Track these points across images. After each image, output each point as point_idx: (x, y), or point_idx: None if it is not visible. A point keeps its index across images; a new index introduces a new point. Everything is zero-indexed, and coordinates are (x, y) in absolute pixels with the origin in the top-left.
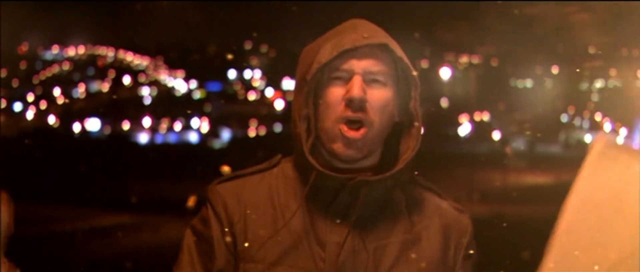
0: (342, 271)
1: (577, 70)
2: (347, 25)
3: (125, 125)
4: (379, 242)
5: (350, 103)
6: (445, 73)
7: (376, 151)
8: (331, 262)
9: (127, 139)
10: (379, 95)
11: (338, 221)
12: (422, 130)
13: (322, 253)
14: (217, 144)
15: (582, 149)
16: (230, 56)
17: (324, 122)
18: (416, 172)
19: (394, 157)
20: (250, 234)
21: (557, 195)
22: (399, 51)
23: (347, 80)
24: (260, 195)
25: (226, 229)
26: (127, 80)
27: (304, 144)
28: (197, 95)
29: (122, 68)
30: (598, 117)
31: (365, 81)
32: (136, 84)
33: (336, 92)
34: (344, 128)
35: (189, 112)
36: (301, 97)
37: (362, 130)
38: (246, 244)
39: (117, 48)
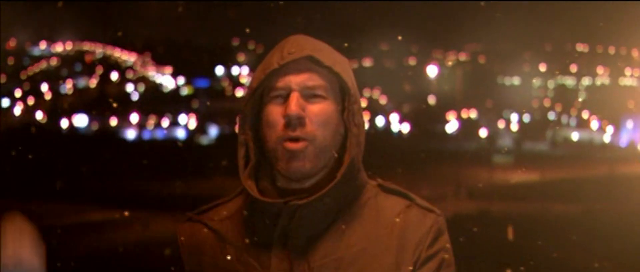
0: None
1: (564, 67)
2: (278, 45)
3: (113, 122)
4: (324, 259)
5: (288, 121)
6: (432, 70)
7: (326, 167)
8: None
9: (114, 135)
10: (318, 110)
11: (281, 245)
12: (362, 141)
13: None
14: (204, 140)
15: (568, 147)
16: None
17: (268, 142)
18: (381, 180)
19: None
20: (204, 268)
21: (542, 192)
22: (327, 61)
23: (286, 97)
24: (215, 228)
25: (186, 266)
26: (114, 76)
27: (241, 170)
28: (185, 91)
29: (110, 64)
30: (585, 115)
31: (304, 96)
32: (124, 80)
33: (275, 111)
34: (286, 144)
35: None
36: (240, 124)
37: (301, 144)
38: None
39: (104, 44)
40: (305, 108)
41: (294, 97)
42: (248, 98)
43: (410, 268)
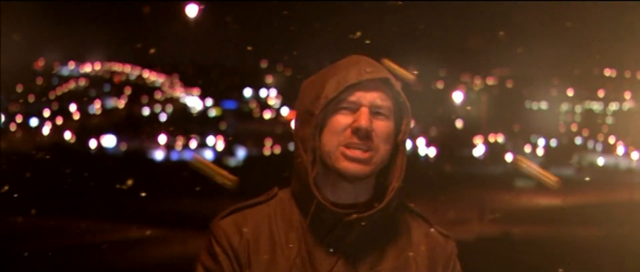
0: None
1: (592, 92)
2: (349, 60)
3: (141, 142)
4: (372, 270)
5: (357, 132)
6: (458, 96)
7: (370, 181)
8: None
9: (143, 155)
10: (383, 127)
11: (332, 251)
12: (405, 164)
13: None
14: (232, 162)
15: (594, 172)
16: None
17: (327, 146)
18: (407, 202)
19: (384, 189)
20: (253, 264)
21: (565, 216)
22: (397, 86)
23: (354, 111)
24: (260, 228)
25: (232, 262)
26: (143, 97)
27: (310, 175)
28: (213, 113)
29: (138, 85)
30: (612, 140)
31: (371, 113)
32: (152, 101)
33: (343, 121)
34: (351, 152)
35: (199, 125)
36: (307, 130)
37: (368, 153)
38: None
39: (133, 65)
40: (372, 123)
41: (365, 112)
42: (322, 106)
43: None
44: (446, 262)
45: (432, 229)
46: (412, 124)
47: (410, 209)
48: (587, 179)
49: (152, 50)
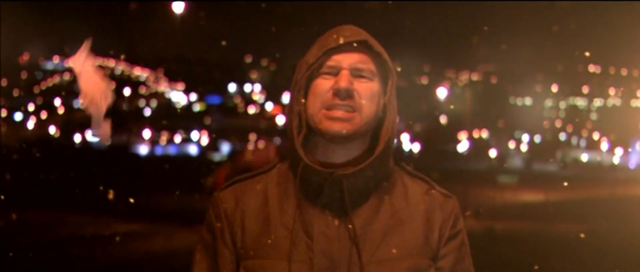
0: (329, 258)
1: (576, 88)
2: (333, 29)
3: (126, 137)
4: (363, 229)
5: (337, 93)
6: (442, 92)
7: (364, 141)
8: (319, 251)
9: (127, 150)
10: (365, 88)
11: (325, 212)
12: (397, 121)
13: (311, 243)
14: (216, 156)
15: (577, 168)
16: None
17: (310, 109)
18: (403, 163)
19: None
20: (248, 232)
21: (547, 212)
22: (377, 47)
23: (335, 74)
24: (256, 196)
25: (226, 231)
26: (127, 91)
27: (296, 138)
28: (197, 107)
29: (123, 79)
30: (596, 136)
31: (353, 76)
32: (136, 96)
33: (324, 84)
34: (334, 112)
35: (184, 119)
36: (293, 95)
37: (352, 114)
38: (245, 243)
39: (117, 59)
40: (353, 84)
41: (345, 74)
42: (304, 72)
43: (437, 245)
44: (445, 220)
45: (432, 189)
46: (397, 119)
47: (410, 172)
48: (565, 184)
49: (136, 46)
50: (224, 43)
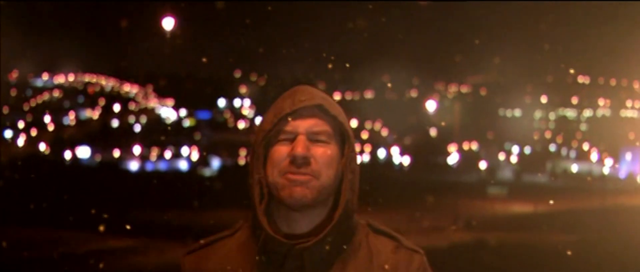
0: None
1: (566, 99)
2: (288, 92)
3: (116, 153)
4: None
5: (294, 159)
6: (431, 105)
7: (326, 208)
8: None
9: (117, 166)
10: (322, 153)
11: None
12: (356, 186)
13: None
14: (207, 172)
15: (567, 179)
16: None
17: (270, 177)
18: (370, 220)
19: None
20: None
21: (538, 223)
22: (333, 110)
23: (292, 140)
24: (220, 262)
25: None
26: (117, 107)
27: (258, 206)
28: (187, 123)
29: (112, 96)
30: (586, 146)
31: (310, 140)
32: (126, 112)
33: (282, 150)
34: (290, 176)
35: (174, 135)
36: (253, 163)
37: (307, 177)
38: None
39: (107, 76)
40: (310, 149)
41: (301, 140)
42: (260, 139)
43: None
44: None
45: (399, 247)
46: (387, 132)
47: (375, 229)
48: (551, 202)
49: (125, 62)
50: (212, 59)
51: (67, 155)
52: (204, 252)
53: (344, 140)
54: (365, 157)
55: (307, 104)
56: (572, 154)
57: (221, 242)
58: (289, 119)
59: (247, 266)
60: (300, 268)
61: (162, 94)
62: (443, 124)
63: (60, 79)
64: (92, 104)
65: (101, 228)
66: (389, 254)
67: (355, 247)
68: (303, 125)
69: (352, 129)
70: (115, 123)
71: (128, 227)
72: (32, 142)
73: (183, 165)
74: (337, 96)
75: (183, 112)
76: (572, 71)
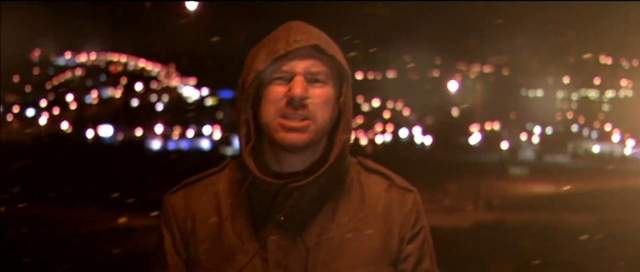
0: (284, 270)
1: (588, 80)
2: (281, 29)
3: (138, 132)
4: (319, 238)
5: (291, 101)
6: (453, 85)
7: (318, 147)
8: (273, 262)
9: (140, 145)
10: (320, 93)
11: (279, 223)
12: (351, 125)
13: (266, 255)
14: (229, 151)
15: (589, 160)
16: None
17: (264, 117)
18: (361, 157)
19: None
20: (199, 242)
21: (559, 203)
22: (330, 50)
23: (289, 80)
24: (208, 200)
25: (177, 238)
26: (139, 86)
27: (244, 147)
28: (209, 102)
29: (134, 74)
30: (608, 127)
31: (307, 81)
32: (148, 91)
33: (278, 91)
34: (287, 123)
35: (196, 114)
36: (241, 103)
37: (305, 122)
38: (196, 253)
39: (129, 55)
40: (307, 91)
41: (299, 80)
42: (252, 80)
43: (397, 250)
44: (404, 220)
45: (392, 186)
46: (408, 112)
47: (367, 167)
48: (567, 187)
49: (147, 41)
50: (234, 37)
51: (90, 134)
52: (189, 191)
53: (341, 79)
54: (387, 137)
55: (304, 44)
56: (594, 134)
57: (207, 180)
58: (284, 58)
59: (236, 206)
60: (290, 207)
61: (184, 73)
62: (465, 104)
63: (82, 58)
64: (114, 82)
65: (122, 206)
66: (381, 193)
67: (348, 187)
68: (300, 65)
69: (350, 71)
70: (137, 102)
71: (148, 205)
72: (54, 120)
73: (205, 144)
74: (359, 76)
75: (205, 91)
76: (586, 56)
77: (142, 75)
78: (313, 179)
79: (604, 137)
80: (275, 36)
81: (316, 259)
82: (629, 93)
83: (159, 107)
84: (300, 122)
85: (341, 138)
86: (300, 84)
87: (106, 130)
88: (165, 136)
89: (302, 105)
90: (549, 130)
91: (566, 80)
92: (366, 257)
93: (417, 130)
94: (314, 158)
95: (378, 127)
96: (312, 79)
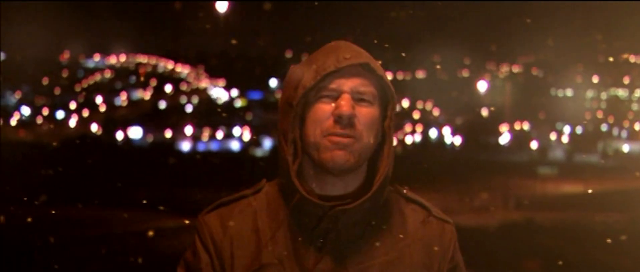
0: None
1: (617, 79)
2: (328, 47)
3: (168, 134)
4: (361, 265)
5: (339, 119)
6: (482, 86)
7: (361, 171)
8: None
9: (170, 147)
10: (366, 113)
11: (320, 246)
12: (393, 149)
13: None
14: (258, 152)
15: (619, 159)
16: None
17: (310, 136)
18: (402, 187)
19: (374, 178)
20: (237, 263)
21: (588, 202)
22: (379, 70)
23: (336, 98)
24: (245, 222)
25: (214, 259)
26: (168, 88)
27: (291, 167)
28: (239, 103)
29: (164, 76)
30: (637, 126)
31: (354, 100)
32: (177, 92)
33: (325, 109)
34: (333, 138)
35: (226, 115)
36: (288, 121)
37: (350, 139)
38: None
39: (158, 56)
40: (355, 109)
41: (347, 98)
42: (300, 97)
43: None
44: (444, 252)
45: (430, 216)
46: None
47: (405, 196)
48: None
49: (176, 42)
50: (263, 39)
51: (119, 135)
52: (227, 211)
53: (387, 102)
54: (417, 137)
55: (354, 61)
56: (624, 134)
57: (244, 201)
58: (333, 76)
59: (274, 227)
60: (334, 231)
61: (213, 75)
62: (494, 104)
63: (111, 60)
64: (143, 84)
65: (155, 207)
66: (420, 223)
67: (388, 214)
68: (348, 83)
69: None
70: (166, 104)
71: (177, 207)
72: (84, 122)
73: (235, 145)
74: (388, 76)
75: (234, 92)
76: (615, 55)
77: (171, 76)
78: (360, 203)
79: (634, 136)
80: (323, 54)
81: None
82: None
83: (189, 108)
84: (345, 139)
85: (387, 162)
86: (348, 102)
87: (136, 132)
88: (195, 138)
89: (350, 125)
90: (578, 130)
91: (595, 79)
92: None
93: (446, 131)
94: (357, 183)
95: (407, 128)
96: (358, 99)
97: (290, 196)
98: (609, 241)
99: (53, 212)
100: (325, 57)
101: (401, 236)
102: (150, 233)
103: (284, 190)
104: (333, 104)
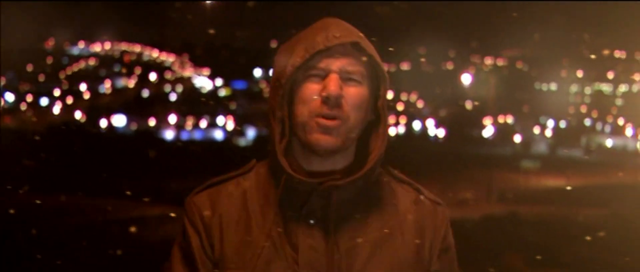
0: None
1: (602, 74)
2: (318, 25)
3: (152, 122)
4: (352, 242)
5: (326, 100)
6: (466, 78)
7: (350, 149)
8: (304, 264)
9: (153, 135)
10: (354, 93)
11: (311, 224)
12: (389, 129)
13: (296, 256)
14: (242, 142)
15: (602, 154)
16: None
17: (299, 117)
18: (392, 167)
19: (365, 157)
20: (227, 241)
21: (570, 196)
22: (370, 49)
23: (323, 77)
24: (235, 202)
25: (204, 240)
26: (153, 76)
27: (277, 146)
28: (223, 93)
29: (148, 64)
30: (621, 121)
31: (342, 79)
32: (162, 81)
33: (312, 89)
34: (320, 120)
35: (210, 104)
36: (276, 99)
37: (336, 122)
38: (224, 253)
39: (143, 45)
40: (343, 89)
41: (334, 78)
42: (289, 75)
43: (428, 260)
44: (436, 231)
45: (421, 196)
46: (422, 104)
47: (397, 177)
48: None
49: (161, 31)
50: (248, 29)
51: (103, 123)
52: (215, 191)
53: (378, 81)
54: (401, 129)
55: (344, 40)
56: (607, 128)
57: (233, 182)
58: (321, 54)
59: (265, 206)
60: (325, 207)
61: (198, 64)
62: (478, 97)
63: (96, 48)
64: (128, 72)
65: (138, 196)
66: (412, 203)
67: (380, 193)
68: (336, 63)
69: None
70: (150, 92)
71: (160, 195)
72: (68, 110)
73: (218, 134)
74: None
75: (219, 81)
76: (599, 50)
77: (156, 65)
78: (352, 180)
79: (618, 131)
80: (313, 31)
81: (349, 263)
82: None
83: (173, 97)
84: (332, 121)
85: (381, 141)
86: (336, 82)
87: (119, 120)
88: (179, 126)
89: (337, 105)
90: (562, 124)
91: (580, 74)
92: (399, 265)
93: (430, 123)
94: (346, 162)
95: (391, 119)
96: (347, 78)
97: (279, 175)
98: (589, 235)
99: (37, 201)
100: (315, 35)
101: (393, 214)
102: (132, 221)
103: (273, 169)
104: (321, 84)
